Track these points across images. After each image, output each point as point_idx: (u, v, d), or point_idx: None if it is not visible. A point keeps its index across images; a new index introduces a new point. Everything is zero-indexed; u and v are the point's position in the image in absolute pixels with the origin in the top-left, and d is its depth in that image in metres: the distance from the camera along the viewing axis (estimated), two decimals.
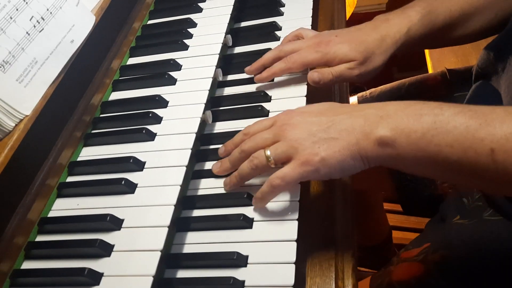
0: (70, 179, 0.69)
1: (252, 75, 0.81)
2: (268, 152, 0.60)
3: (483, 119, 0.50)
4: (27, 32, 0.61)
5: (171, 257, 0.61)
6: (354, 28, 0.77)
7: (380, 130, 0.55)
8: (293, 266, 0.57)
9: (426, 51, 1.33)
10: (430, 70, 1.31)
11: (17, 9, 0.60)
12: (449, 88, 0.96)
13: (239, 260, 0.58)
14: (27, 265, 0.60)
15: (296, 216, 0.61)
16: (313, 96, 0.83)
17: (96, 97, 0.78)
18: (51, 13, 0.64)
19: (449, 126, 0.51)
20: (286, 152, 0.59)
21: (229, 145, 0.68)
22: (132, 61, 0.87)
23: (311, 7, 0.92)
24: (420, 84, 1.01)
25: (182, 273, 0.60)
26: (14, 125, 0.58)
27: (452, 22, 0.78)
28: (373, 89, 1.08)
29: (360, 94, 1.11)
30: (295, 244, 0.59)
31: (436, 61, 1.30)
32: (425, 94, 0.99)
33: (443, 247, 0.75)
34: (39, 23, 0.62)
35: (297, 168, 0.58)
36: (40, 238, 0.63)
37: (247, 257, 0.59)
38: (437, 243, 0.77)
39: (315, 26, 0.93)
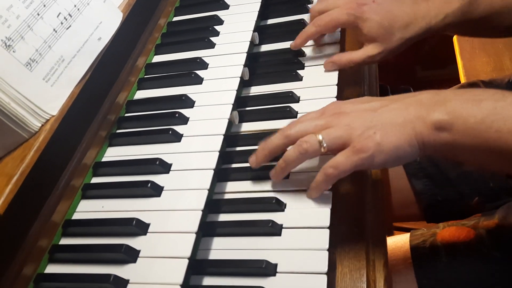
0: (95, 180, 0.68)
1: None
2: (320, 136, 0.56)
3: None
4: (54, 29, 0.59)
5: (197, 263, 0.59)
6: None
7: (437, 114, 0.52)
8: (325, 276, 0.55)
9: (457, 50, 1.29)
10: (460, 70, 1.26)
11: (44, 5, 0.59)
12: None
13: (268, 269, 0.56)
14: (51, 269, 0.59)
15: (327, 223, 0.59)
16: (343, 97, 0.81)
17: (121, 95, 0.76)
18: (78, 9, 0.62)
19: (511, 112, 0.49)
20: (341, 138, 0.56)
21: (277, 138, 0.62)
22: (157, 58, 0.86)
23: None
24: None
25: (208, 281, 0.58)
26: (40, 125, 0.57)
27: (492, 14, 0.75)
28: None
29: None
30: (326, 253, 0.56)
31: (467, 61, 1.25)
32: None
33: (499, 218, 0.71)
34: (66, 20, 0.60)
35: (351, 156, 0.55)
36: (64, 241, 0.62)
37: (276, 265, 0.57)
38: (491, 214, 0.73)
39: None
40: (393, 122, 0.54)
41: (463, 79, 1.24)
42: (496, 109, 0.50)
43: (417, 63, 2.17)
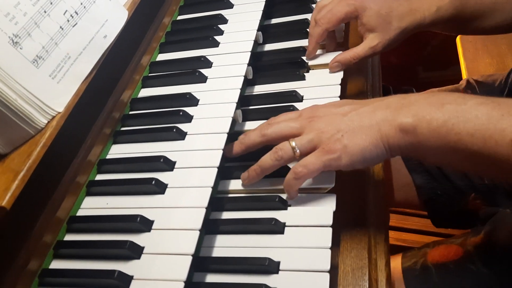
0: (99, 177, 0.68)
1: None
2: (293, 143, 0.60)
3: (506, 110, 0.50)
4: (60, 27, 0.59)
5: (200, 260, 0.60)
6: None
7: (402, 117, 0.55)
8: (327, 274, 0.55)
9: (460, 51, 1.29)
10: (463, 71, 1.26)
11: (51, 3, 0.59)
12: None
13: (270, 266, 0.57)
14: (56, 264, 0.59)
15: (330, 222, 0.59)
16: (347, 95, 0.81)
17: (126, 93, 0.77)
18: (84, 7, 0.63)
19: (471, 116, 0.51)
20: (312, 142, 0.59)
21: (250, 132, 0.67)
22: (161, 57, 0.86)
23: None
24: None
25: (211, 278, 0.59)
26: (46, 122, 0.57)
27: (482, 10, 0.77)
28: None
29: None
30: (329, 251, 0.57)
31: (469, 62, 1.25)
32: None
33: (485, 233, 0.72)
34: (72, 17, 0.61)
35: (320, 156, 0.58)
36: (68, 237, 0.62)
37: (278, 263, 0.57)
38: (478, 230, 0.74)
39: (347, 24, 0.90)
40: (361, 125, 0.57)
41: None
42: (458, 112, 0.52)
43: (419, 64, 2.16)
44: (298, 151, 0.60)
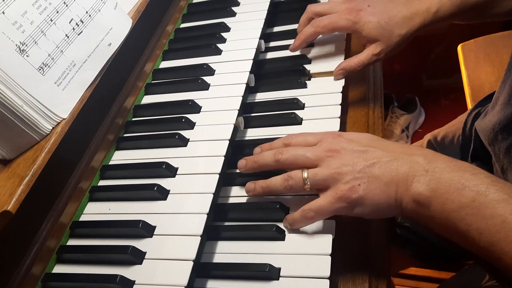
0: (102, 183, 0.69)
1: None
2: (305, 175, 0.58)
3: None
4: (66, 35, 0.60)
5: (201, 266, 0.60)
6: None
7: (420, 186, 0.53)
8: (327, 281, 0.55)
9: (461, 60, 1.30)
10: (464, 80, 1.27)
11: (57, 12, 0.60)
12: None
13: (271, 273, 0.57)
14: (59, 269, 0.60)
15: (331, 229, 0.60)
16: (348, 103, 0.81)
17: (129, 100, 0.78)
18: (90, 16, 0.64)
19: (486, 213, 0.49)
20: (326, 180, 0.57)
21: (265, 147, 0.66)
22: (165, 64, 0.87)
23: None
24: None
25: (212, 284, 0.59)
26: (51, 128, 0.58)
27: (486, 1, 0.77)
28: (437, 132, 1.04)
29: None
30: (329, 258, 0.57)
31: (471, 71, 1.26)
32: None
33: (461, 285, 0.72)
34: (78, 26, 0.62)
35: (333, 202, 0.56)
36: (71, 242, 0.63)
37: (279, 269, 0.58)
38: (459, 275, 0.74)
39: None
40: (380, 179, 0.55)
41: (467, 89, 1.25)
42: (474, 203, 0.50)
43: (423, 72, 2.17)
44: (309, 184, 0.58)
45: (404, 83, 2.18)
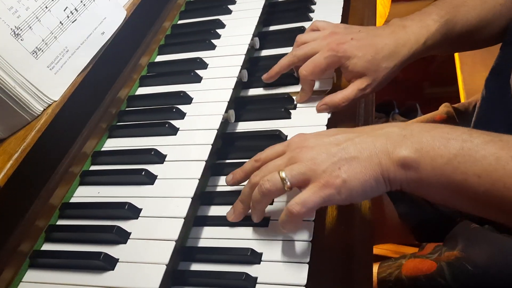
0: (93, 168, 0.71)
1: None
2: (283, 174, 0.54)
3: None
4: (60, 22, 0.63)
5: (186, 250, 0.62)
6: (372, 31, 0.75)
7: (403, 150, 0.51)
8: (307, 265, 0.57)
9: (457, 65, 1.31)
10: (461, 85, 1.28)
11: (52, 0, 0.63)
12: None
13: (253, 257, 0.58)
14: (47, 247, 0.62)
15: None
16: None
17: (123, 91, 0.80)
18: (84, 5, 0.67)
19: (478, 155, 0.48)
20: (304, 174, 0.54)
21: (238, 173, 0.63)
22: (160, 58, 0.89)
23: (341, 14, 0.92)
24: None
25: (196, 266, 0.60)
26: (42, 109, 0.60)
27: (469, 30, 0.77)
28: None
29: None
30: (310, 244, 0.58)
31: (467, 75, 1.27)
32: None
33: (459, 249, 0.72)
34: (72, 14, 0.64)
35: (318, 191, 0.53)
36: (60, 222, 0.65)
37: (261, 254, 0.59)
38: (454, 243, 0.74)
39: None
40: (358, 156, 0.53)
41: (462, 93, 1.26)
42: (464, 150, 0.49)
43: (425, 80, 2.17)
44: (288, 183, 0.54)
45: (406, 90, 2.19)
